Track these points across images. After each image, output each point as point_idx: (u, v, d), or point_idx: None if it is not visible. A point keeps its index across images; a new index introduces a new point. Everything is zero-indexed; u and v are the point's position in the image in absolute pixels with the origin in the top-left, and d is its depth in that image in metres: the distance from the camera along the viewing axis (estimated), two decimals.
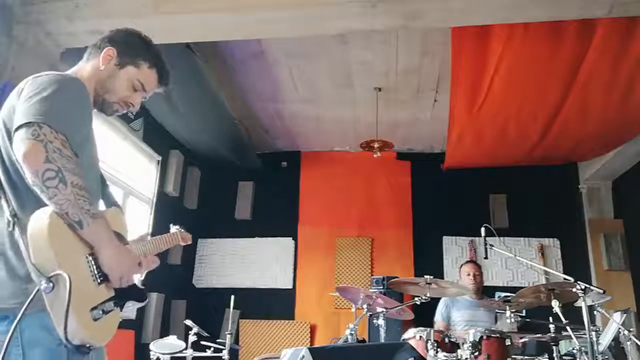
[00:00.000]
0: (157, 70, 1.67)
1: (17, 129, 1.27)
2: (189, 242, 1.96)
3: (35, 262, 1.21)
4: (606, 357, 3.06)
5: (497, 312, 3.90)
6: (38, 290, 1.19)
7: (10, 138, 1.34)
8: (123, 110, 1.67)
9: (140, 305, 1.55)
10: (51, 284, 1.18)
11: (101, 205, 1.60)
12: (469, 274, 4.17)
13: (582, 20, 3.17)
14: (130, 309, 1.49)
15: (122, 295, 1.43)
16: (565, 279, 2.84)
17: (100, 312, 1.30)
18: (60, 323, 1.17)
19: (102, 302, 1.33)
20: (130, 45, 1.63)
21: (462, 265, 4.34)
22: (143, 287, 1.56)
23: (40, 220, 1.24)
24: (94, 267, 1.32)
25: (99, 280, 1.33)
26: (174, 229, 1.93)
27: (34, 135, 1.25)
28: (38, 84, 1.37)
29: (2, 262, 1.30)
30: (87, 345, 1.27)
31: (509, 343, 2.94)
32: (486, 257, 3.14)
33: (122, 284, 1.39)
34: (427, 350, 2.86)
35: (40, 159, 1.23)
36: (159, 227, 5.04)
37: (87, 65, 1.61)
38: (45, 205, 1.27)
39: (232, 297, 4.31)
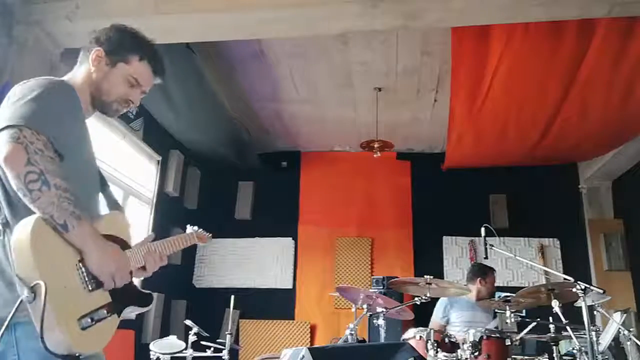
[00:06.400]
0: (148, 61, 1.64)
1: None
2: (207, 242, 1.98)
3: (18, 272, 1.20)
4: (606, 357, 3.06)
5: (497, 312, 3.90)
6: (21, 300, 1.18)
7: None
8: (124, 109, 1.65)
9: (144, 310, 1.53)
10: (33, 294, 1.17)
11: (103, 207, 1.60)
12: (494, 284, 4.15)
13: (582, 20, 3.17)
14: (132, 314, 1.48)
15: (121, 300, 1.41)
16: (565, 279, 2.84)
17: (89, 320, 1.28)
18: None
19: (93, 310, 1.30)
20: (117, 42, 1.62)
21: (486, 273, 4.14)
22: (148, 292, 1.55)
23: (22, 231, 1.22)
24: (84, 274, 1.30)
25: (90, 287, 1.31)
26: (190, 229, 1.94)
27: (13, 137, 1.24)
28: (23, 88, 1.37)
29: None
30: (76, 355, 1.25)
31: (509, 343, 2.94)
32: (486, 257, 3.15)
33: (117, 283, 1.37)
34: (427, 350, 2.87)
35: (21, 162, 1.22)
36: (160, 227, 5.05)
37: (80, 71, 1.61)
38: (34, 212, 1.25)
39: (232, 297, 4.30)
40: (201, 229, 1.95)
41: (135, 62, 1.62)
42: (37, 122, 1.29)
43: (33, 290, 1.17)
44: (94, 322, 1.29)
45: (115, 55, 1.60)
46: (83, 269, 1.30)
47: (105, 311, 1.34)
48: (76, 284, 1.29)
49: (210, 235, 1.97)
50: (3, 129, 1.26)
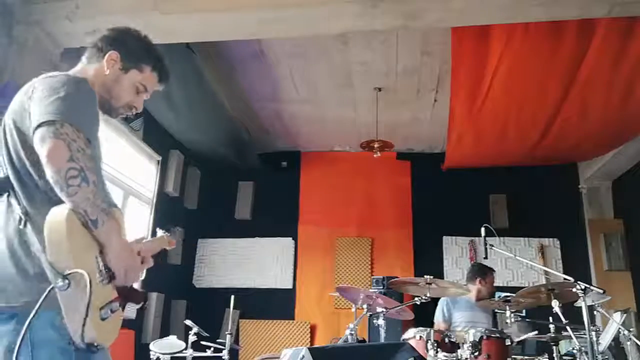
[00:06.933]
0: (158, 72, 1.69)
1: (37, 127, 1.27)
2: (174, 246, 1.98)
3: (51, 259, 1.21)
4: (606, 357, 3.06)
5: (497, 312, 3.90)
6: (52, 288, 1.18)
7: (20, 137, 1.35)
8: (127, 113, 1.69)
9: (138, 306, 1.54)
10: (67, 282, 1.17)
11: None
12: (493, 284, 4.15)
13: (582, 20, 3.17)
14: (130, 310, 1.50)
15: (125, 295, 1.42)
16: (565, 279, 2.84)
17: (109, 311, 1.30)
18: (76, 322, 1.17)
19: (109, 301, 1.33)
20: (133, 49, 1.64)
21: (486, 273, 4.16)
22: (142, 290, 1.56)
23: (58, 216, 1.23)
24: (102, 266, 1.32)
25: (106, 280, 1.33)
26: (160, 232, 1.94)
27: (55, 134, 1.25)
28: (50, 83, 1.37)
29: (11, 259, 1.31)
30: (95, 345, 1.27)
31: (509, 343, 2.94)
32: (486, 257, 3.15)
33: (128, 281, 1.39)
34: (427, 350, 2.86)
35: (64, 158, 1.24)
36: (159, 227, 5.02)
37: (90, 68, 1.61)
38: (57, 202, 1.26)
39: (232, 297, 4.30)
40: (169, 234, 1.94)
41: (147, 72, 1.66)
42: (75, 119, 1.30)
43: (67, 278, 1.17)
44: (111, 313, 1.31)
45: (130, 61, 1.62)
46: (101, 262, 1.32)
47: (117, 303, 1.36)
48: (96, 275, 1.30)
49: (174, 241, 1.97)
50: (42, 124, 1.27)
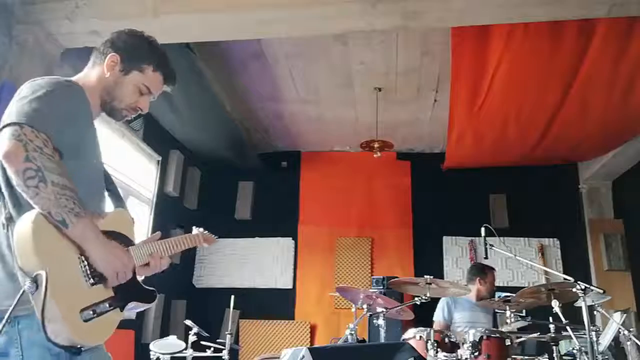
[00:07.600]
0: (161, 71, 1.67)
1: (0, 130, 1.29)
2: (213, 244, 1.97)
3: (21, 264, 1.22)
4: (606, 357, 3.06)
5: (497, 313, 3.90)
6: (24, 291, 1.19)
7: None
8: (132, 115, 1.68)
9: (147, 306, 1.53)
10: (35, 285, 1.18)
11: (109, 206, 1.61)
12: (494, 283, 4.13)
13: (582, 20, 3.18)
14: (135, 310, 1.49)
15: (124, 296, 1.41)
16: (565, 279, 2.85)
17: (91, 312, 1.29)
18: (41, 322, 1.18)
19: (95, 303, 1.32)
20: (134, 50, 1.63)
21: (485, 273, 4.15)
22: (152, 289, 1.55)
23: (24, 224, 1.24)
24: (87, 267, 1.32)
25: (92, 281, 1.32)
26: (196, 230, 1.93)
27: (14, 135, 1.25)
28: (32, 87, 1.38)
29: (0, 262, 1.32)
30: (78, 346, 1.26)
31: (509, 343, 2.94)
32: (486, 257, 3.15)
33: (120, 280, 1.38)
34: (427, 350, 2.86)
35: (20, 158, 1.24)
36: (159, 227, 5.04)
37: (93, 72, 1.61)
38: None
39: (232, 297, 4.31)
40: (207, 231, 1.94)
41: (149, 72, 1.64)
42: (38, 121, 1.30)
43: (35, 280, 1.19)
44: (95, 315, 1.30)
45: (131, 63, 1.61)
46: (86, 262, 1.32)
47: (107, 305, 1.35)
48: (78, 277, 1.30)
49: (217, 237, 1.96)
50: (6, 126, 1.28)
